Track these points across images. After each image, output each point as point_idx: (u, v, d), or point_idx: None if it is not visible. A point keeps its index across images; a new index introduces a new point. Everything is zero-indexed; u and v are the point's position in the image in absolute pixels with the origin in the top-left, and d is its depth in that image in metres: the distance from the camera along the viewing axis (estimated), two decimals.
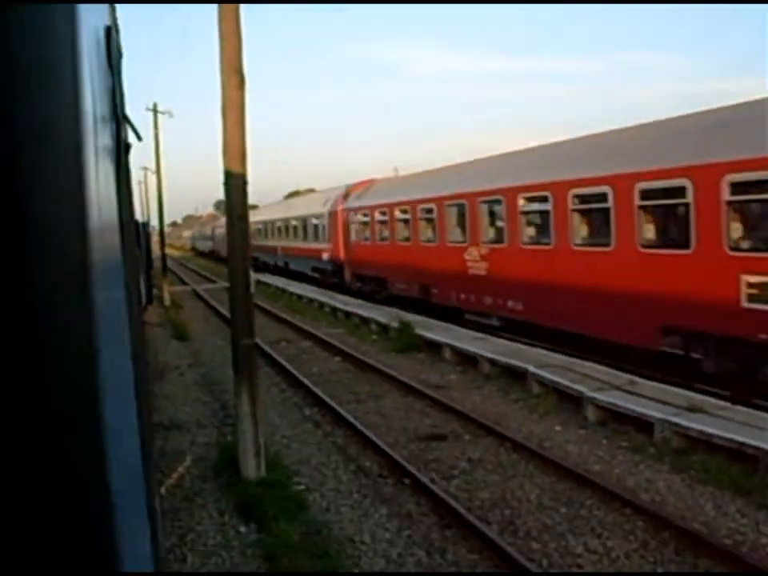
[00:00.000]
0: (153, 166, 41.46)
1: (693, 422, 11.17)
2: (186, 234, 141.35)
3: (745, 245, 13.37)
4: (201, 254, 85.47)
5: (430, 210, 25.67)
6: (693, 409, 11.81)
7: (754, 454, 9.97)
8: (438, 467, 11.08)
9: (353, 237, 33.69)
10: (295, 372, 17.51)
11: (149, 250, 36.34)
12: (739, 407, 12.15)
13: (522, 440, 11.84)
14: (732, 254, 13.24)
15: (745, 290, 12.97)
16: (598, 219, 17.30)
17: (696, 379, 14.21)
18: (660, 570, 7.72)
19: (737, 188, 13.16)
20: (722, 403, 12.40)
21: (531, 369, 15.35)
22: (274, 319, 28.78)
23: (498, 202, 21.29)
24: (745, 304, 12.99)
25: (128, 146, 3.20)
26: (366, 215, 32.12)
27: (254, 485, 10.11)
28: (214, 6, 10.18)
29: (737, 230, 13.46)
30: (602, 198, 16.55)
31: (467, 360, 18.17)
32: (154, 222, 47.89)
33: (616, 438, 12.07)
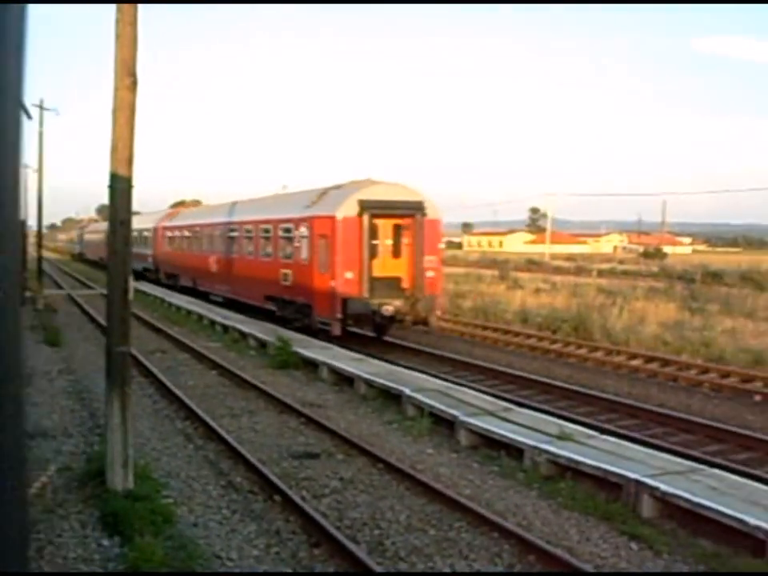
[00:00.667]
0: (35, 164, 39.90)
1: (562, 450, 11.42)
2: (62, 236, 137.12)
3: (281, 254, 27.44)
4: (82, 259, 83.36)
5: (196, 232, 39.80)
6: (562, 437, 12.06)
7: (618, 482, 10.25)
8: (309, 485, 11.02)
9: (164, 247, 46.64)
10: (169, 384, 17.20)
11: (24, 251, 35.32)
12: (606, 437, 12.50)
13: (394, 461, 11.88)
14: (281, 260, 27.26)
15: (282, 277, 26.80)
16: (257, 241, 30.38)
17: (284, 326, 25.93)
18: None
19: (282, 230, 27.32)
20: (590, 432, 12.72)
21: (407, 391, 15.44)
22: (152, 329, 28.27)
23: (216, 228, 35.77)
24: (283, 283, 26.79)
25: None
26: (170, 232, 45.29)
27: (120, 497, 9.85)
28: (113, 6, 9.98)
29: (281, 248, 27.59)
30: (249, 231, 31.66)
31: (344, 380, 18.17)
32: (32, 222, 46.44)
33: (487, 462, 12.23)
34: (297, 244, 25.93)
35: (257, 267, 29.90)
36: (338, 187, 25.47)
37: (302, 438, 13.56)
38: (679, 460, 11.30)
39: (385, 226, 23.77)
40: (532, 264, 76.05)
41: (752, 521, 8.63)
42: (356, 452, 12.57)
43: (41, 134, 36.62)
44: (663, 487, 9.77)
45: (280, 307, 27.33)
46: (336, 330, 22.94)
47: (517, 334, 28.10)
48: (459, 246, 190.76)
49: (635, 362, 22.13)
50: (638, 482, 10.01)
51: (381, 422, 14.77)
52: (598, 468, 10.63)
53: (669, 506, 9.76)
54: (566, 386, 18.51)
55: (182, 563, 8.18)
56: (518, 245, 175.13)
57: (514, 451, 12.13)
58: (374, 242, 23.40)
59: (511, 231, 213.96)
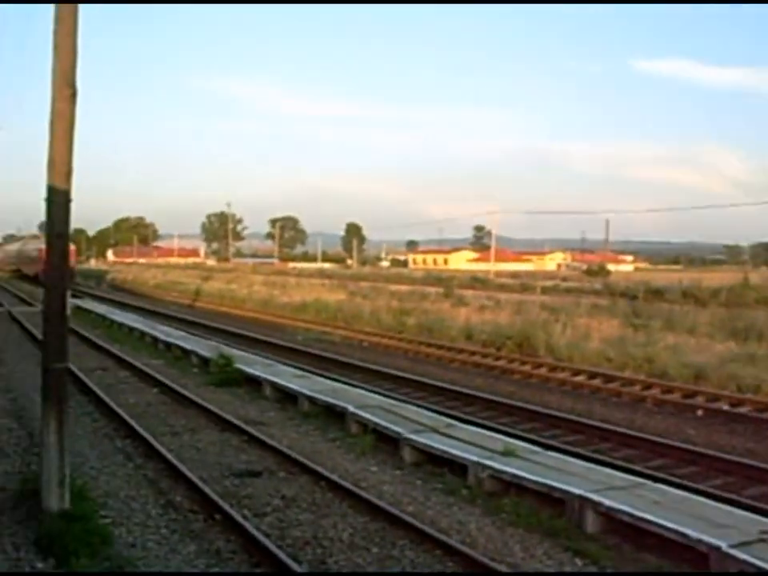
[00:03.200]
0: None
1: (505, 466, 11.39)
2: None
3: None
4: (23, 276, 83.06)
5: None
6: (506, 453, 12.04)
7: (562, 497, 10.24)
8: (250, 504, 10.85)
9: None
10: (110, 401, 16.90)
11: None
12: (550, 452, 12.50)
13: (337, 479, 11.75)
14: None
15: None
16: None
17: None
18: None
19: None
20: (534, 448, 12.72)
21: (350, 408, 15.33)
22: (92, 347, 27.84)
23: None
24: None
25: None
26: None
27: (56, 517, 9.59)
28: (51, 12, 9.77)
29: None
30: None
31: (287, 397, 18.00)
32: None
33: (431, 479, 12.15)
34: None
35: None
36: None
37: (244, 455, 13.38)
38: (622, 475, 11.32)
39: None
40: (477, 281, 76.35)
41: (694, 534, 8.64)
42: (298, 470, 12.42)
43: None
44: (607, 502, 9.77)
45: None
46: None
47: (461, 351, 28.17)
48: (405, 263, 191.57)
49: (579, 378, 22.26)
50: (581, 497, 10.00)
51: (324, 440, 14.63)
52: (542, 484, 10.61)
53: (612, 521, 9.75)
54: (510, 402, 18.54)
55: None
56: (462, 263, 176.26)
57: (458, 468, 12.07)
58: None
59: (456, 249, 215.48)
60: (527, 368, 24.37)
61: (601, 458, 13.28)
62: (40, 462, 10.29)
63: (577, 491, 10.13)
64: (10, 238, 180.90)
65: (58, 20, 9.72)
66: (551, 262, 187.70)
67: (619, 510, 9.58)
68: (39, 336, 20.18)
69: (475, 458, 11.82)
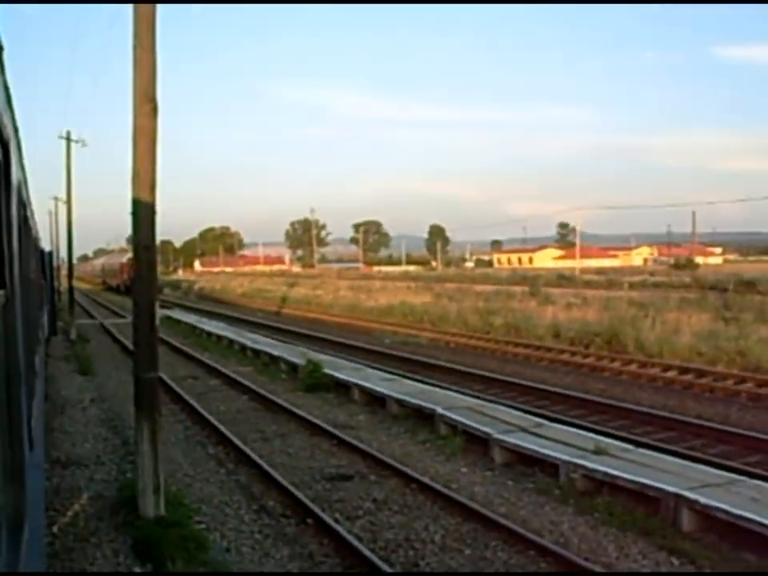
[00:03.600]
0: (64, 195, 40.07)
1: (598, 464, 11.24)
2: (87, 268, 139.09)
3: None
4: (108, 287, 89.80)
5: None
6: (598, 451, 11.88)
7: (656, 495, 10.06)
8: (342, 507, 10.91)
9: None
10: (201, 409, 17.18)
11: (53, 281, 35.61)
12: (643, 450, 12.29)
13: (428, 481, 11.74)
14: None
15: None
16: None
17: None
18: None
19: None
20: (626, 446, 12.53)
21: (439, 410, 15.31)
22: (183, 356, 28.33)
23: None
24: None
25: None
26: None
27: (152, 524, 9.79)
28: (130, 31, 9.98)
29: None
30: None
31: (376, 400, 18.07)
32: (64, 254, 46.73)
33: (522, 480, 12.06)
34: None
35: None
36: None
37: (335, 459, 13.45)
38: (718, 472, 11.06)
39: None
40: (562, 279, 75.54)
41: None
42: (389, 472, 12.44)
43: (68, 166, 36.82)
44: (703, 500, 9.56)
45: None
46: None
47: (549, 350, 27.91)
48: (489, 263, 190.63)
49: (670, 374, 21.87)
50: (676, 495, 9.81)
51: (413, 442, 14.64)
52: (635, 482, 10.44)
53: (709, 520, 9.55)
54: (601, 399, 18.31)
55: None
56: (547, 261, 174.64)
57: (549, 467, 11.96)
58: None
59: (541, 247, 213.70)
60: (617, 365, 24.03)
61: (695, 455, 13.01)
62: (135, 469, 10.51)
63: (671, 489, 9.94)
64: (99, 252, 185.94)
65: (136, 36, 9.93)
66: (638, 257, 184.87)
67: (716, 508, 9.36)
68: (131, 347, 20.68)
69: (566, 457, 11.69)
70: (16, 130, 3.87)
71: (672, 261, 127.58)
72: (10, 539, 2.80)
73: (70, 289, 39.35)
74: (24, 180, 5.84)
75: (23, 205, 5.31)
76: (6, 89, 2.85)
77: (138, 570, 8.78)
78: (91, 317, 49.33)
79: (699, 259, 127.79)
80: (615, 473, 10.82)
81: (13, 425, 3.03)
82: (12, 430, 3.02)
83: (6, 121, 2.69)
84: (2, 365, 2.92)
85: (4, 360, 2.98)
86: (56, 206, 62.83)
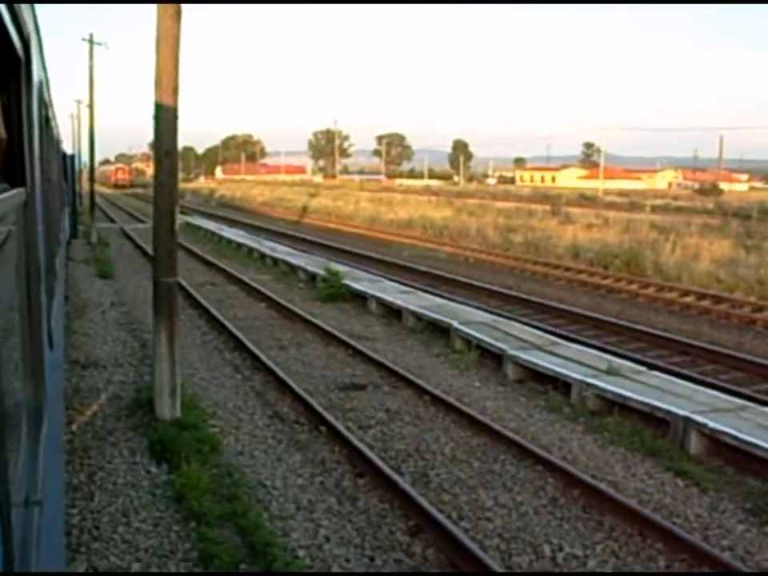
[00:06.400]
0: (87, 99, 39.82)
1: (610, 384, 11.33)
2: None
3: None
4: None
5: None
6: (610, 372, 11.97)
7: (665, 418, 10.16)
8: (355, 417, 11.07)
9: None
10: (218, 315, 17.34)
11: (74, 185, 35.66)
12: (654, 372, 12.37)
13: (440, 393, 11.87)
14: None
15: None
16: None
17: None
18: (566, 526, 7.82)
19: None
20: (639, 368, 12.61)
21: (455, 324, 15.40)
22: (201, 262, 28.48)
23: None
24: None
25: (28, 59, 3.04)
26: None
27: (167, 425, 9.99)
28: None
29: None
30: None
31: (392, 313, 18.18)
32: (86, 158, 46.69)
33: (534, 396, 12.18)
34: None
35: None
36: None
37: (349, 369, 13.60)
38: (729, 397, 11.12)
39: None
40: (585, 199, 75.02)
41: None
42: (402, 384, 12.59)
43: (91, 69, 36.51)
44: (711, 424, 9.65)
45: None
46: None
47: (567, 269, 27.87)
48: (512, 180, 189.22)
49: (687, 299, 21.84)
50: (686, 418, 9.90)
51: (428, 355, 14.77)
52: (646, 403, 10.53)
53: (717, 443, 9.65)
54: (616, 321, 18.33)
55: (227, 490, 8.29)
56: (570, 180, 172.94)
57: (561, 385, 12.07)
58: None
59: (564, 166, 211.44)
60: (634, 287, 23.99)
61: (707, 379, 13.07)
62: (152, 372, 10.69)
63: (681, 412, 10.02)
64: (120, 157, 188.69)
65: None
66: (662, 181, 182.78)
67: (723, 432, 9.46)
68: (150, 252, 20.85)
69: (579, 376, 11.79)
70: (38, 28, 3.86)
71: (696, 185, 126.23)
72: (30, 433, 2.88)
73: (92, 192, 39.39)
74: (46, 80, 5.82)
75: (45, 105, 5.31)
76: None
77: (153, 469, 8.98)
78: (112, 221, 49.51)
79: (724, 185, 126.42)
80: (626, 393, 10.91)
81: (33, 323, 3.09)
82: (32, 328, 3.08)
83: (27, 17, 2.69)
84: (21, 263, 2.96)
85: (24, 258, 3.03)
86: (78, 110, 62.47)
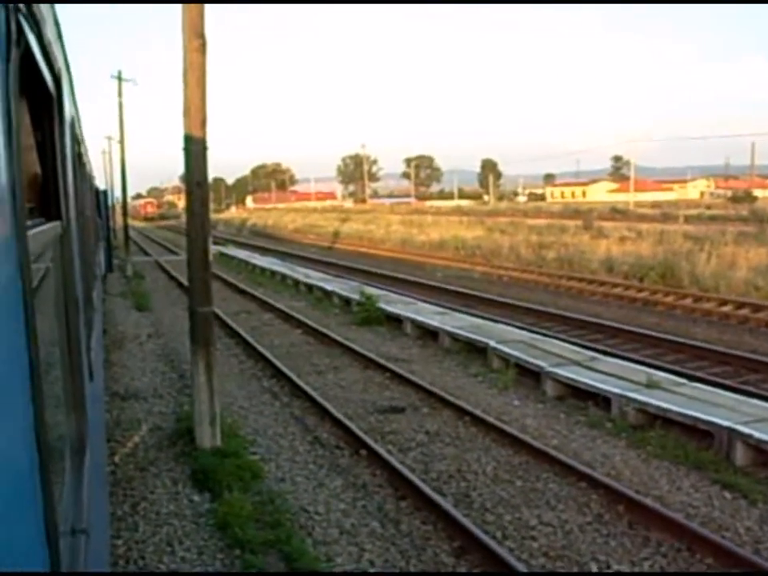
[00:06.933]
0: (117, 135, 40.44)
1: (650, 398, 11.22)
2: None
3: None
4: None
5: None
6: (650, 385, 11.86)
7: (708, 429, 10.03)
8: (395, 439, 11.04)
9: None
10: (255, 343, 17.39)
11: (108, 219, 36.03)
12: (695, 384, 12.24)
13: (480, 413, 11.81)
14: None
15: None
16: None
17: None
18: (612, 543, 7.74)
19: None
20: (679, 380, 12.48)
21: (492, 343, 15.34)
22: (236, 291, 28.62)
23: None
24: None
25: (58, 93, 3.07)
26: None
27: (208, 454, 10.01)
28: None
29: None
30: None
31: (428, 334, 18.15)
32: (118, 193, 47.26)
33: (574, 413, 12.09)
34: None
35: None
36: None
37: (387, 392, 13.58)
38: None
39: None
40: (616, 213, 74.57)
41: None
42: (441, 405, 12.54)
43: (120, 105, 37.07)
44: (757, 434, 9.52)
45: None
46: None
47: (602, 284, 27.72)
48: (542, 197, 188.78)
49: (725, 309, 21.63)
50: (730, 429, 9.78)
51: (466, 375, 14.71)
52: (688, 416, 10.41)
53: (762, 454, 9.52)
54: (654, 333, 18.19)
55: (270, 517, 8.28)
56: (601, 194, 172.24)
57: (602, 401, 11.97)
58: None
59: (594, 181, 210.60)
60: (671, 299, 23.80)
61: (750, 389, 12.92)
62: (192, 401, 10.73)
63: (725, 423, 9.90)
64: (152, 191, 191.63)
65: None
66: (694, 190, 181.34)
67: None
68: (185, 283, 20.98)
69: (619, 391, 11.69)
70: (68, 64, 3.90)
71: (729, 194, 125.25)
72: (74, 464, 2.89)
73: (125, 226, 39.82)
74: (77, 116, 5.89)
75: (77, 141, 5.37)
76: (57, 23, 2.87)
77: (196, 498, 8.99)
78: (146, 254, 49.92)
79: (758, 192, 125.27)
80: (668, 406, 10.80)
81: (73, 356, 3.12)
82: (72, 361, 3.10)
83: (57, 54, 2.72)
84: (60, 296, 2.99)
85: (62, 291, 3.06)
86: (109, 146, 63.29)
